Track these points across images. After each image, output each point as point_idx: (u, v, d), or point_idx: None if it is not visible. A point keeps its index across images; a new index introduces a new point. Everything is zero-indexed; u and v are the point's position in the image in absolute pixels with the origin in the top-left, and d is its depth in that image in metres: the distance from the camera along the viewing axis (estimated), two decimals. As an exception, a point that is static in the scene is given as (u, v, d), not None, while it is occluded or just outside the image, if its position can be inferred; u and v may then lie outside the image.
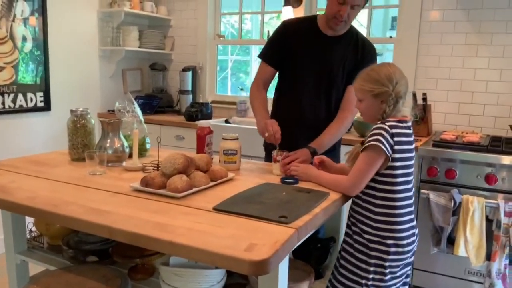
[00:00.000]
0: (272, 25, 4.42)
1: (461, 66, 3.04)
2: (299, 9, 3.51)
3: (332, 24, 1.97)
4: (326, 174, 1.68)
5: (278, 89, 2.21)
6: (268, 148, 2.17)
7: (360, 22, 3.79)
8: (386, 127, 1.51)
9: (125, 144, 1.94)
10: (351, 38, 2.05)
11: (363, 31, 3.58)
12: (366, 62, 1.96)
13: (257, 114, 2.07)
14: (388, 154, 1.49)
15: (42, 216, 1.40)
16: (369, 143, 1.50)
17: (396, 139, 1.50)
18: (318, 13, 3.58)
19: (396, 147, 1.50)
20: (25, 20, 3.20)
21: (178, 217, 1.28)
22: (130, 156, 1.92)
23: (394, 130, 1.51)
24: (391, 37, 3.37)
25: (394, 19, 4.13)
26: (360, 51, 2.06)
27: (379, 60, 3.12)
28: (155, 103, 3.89)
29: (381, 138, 1.49)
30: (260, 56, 2.17)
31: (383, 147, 1.48)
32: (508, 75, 2.91)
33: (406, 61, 3.15)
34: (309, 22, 2.09)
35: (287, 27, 2.12)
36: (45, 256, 1.88)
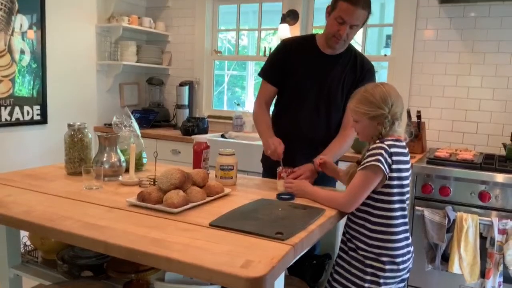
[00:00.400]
0: (268, 41, 4.48)
1: (455, 85, 3.08)
2: (295, 26, 3.56)
3: (332, 42, 2.00)
4: (321, 190, 1.70)
5: (277, 105, 2.23)
6: (266, 164, 2.18)
7: (355, 39, 3.84)
8: (385, 146, 1.52)
9: (122, 158, 1.95)
10: (349, 57, 2.09)
11: (358, 49, 3.64)
12: (365, 80, 2.01)
13: (262, 135, 2.11)
14: (386, 173, 1.50)
15: (38, 230, 1.40)
16: (368, 163, 1.50)
17: (394, 158, 1.52)
18: (314, 30, 3.66)
19: (394, 166, 1.52)
20: (23, 34, 3.22)
21: (174, 233, 1.28)
22: (127, 170, 1.92)
23: (392, 149, 1.52)
24: (385, 55, 3.42)
25: (388, 37, 4.20)
26: (359, 70, 2.09)
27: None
28: (152, 117, 3.90)
29: (380, 158, 1.49)
30: (260, 75, 2.19)
31: (382, 167, 1.49)
32: (501, 94, 2.96)
33: (401, 78, 3.19)
34: (308, 41, 2.12)
35: (287, 46, 2.14)
36: (40, 270, 1.87)
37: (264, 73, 2.18)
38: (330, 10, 1.95)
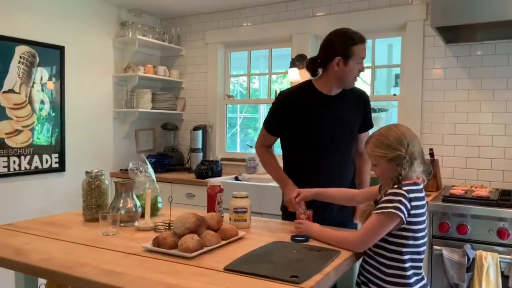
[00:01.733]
0: (279, 83, 4.58)
1: (466, 122, 3.10)
2: (305, 69, 3.64)
3: (352, 82, 2.09)
4: (329, 231, 1.70)
5: (296, 152, 2.17)
6: (286, 211, 2.15)
7: (364, 79, 3.91)
8: (404, 192, 1.50)
9: (138, 204, 1.98)
10: (347, 92, 2.15)
11: (367, 89, 3.69)
12: (368, 107, 2.22)
13: (280, 180, 2.16)
14: (404, 220, 1.49)
15: (56, 278, 1.41)
16: (386, 210, 1.49)
17: (413, 203, 1.51)
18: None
19: (412, 212, 1.51)
20: (43, 85, 3.37)
21: (189, 278, 1.29)
22: (142, 215, 1.95)
23: (411, 195, 1.51)
24: (395, 94, 3.47)
25: (397, 76, 4.26)
26: (361, 100, 2.20)
27: (385, 116, 3.18)
28: (166, 162, 3.97)
29: (400, 206, 1.48)
30: (265, 127, 2.21)
31: (402, 215, 1.48)
32: (513, 129, 2.96)
33: (411, 117, 3.22)
34: (307, 87, 2.15)
35: (287, 98, 2.16)
36: (56, 319, 1.87)
37: (268, 126, 2.20)
38: (344, 59, 2.00)
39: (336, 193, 1.93)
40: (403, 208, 1.48)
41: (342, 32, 2.05)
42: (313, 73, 2.13)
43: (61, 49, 3.47)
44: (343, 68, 2.01)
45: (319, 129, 2.10)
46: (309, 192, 1.92)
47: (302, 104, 2.10)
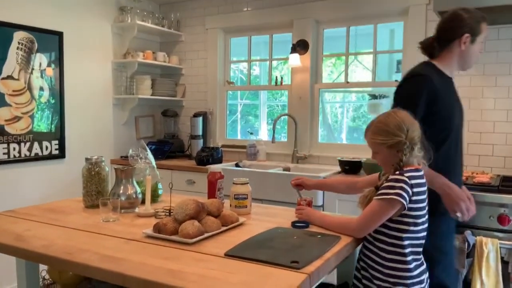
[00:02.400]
0: (280, 70, 4.55)
1: (468, 107, 3.07)
2: (306, 55, 3.62)
3: (473, 63, 2.00)
4: (330, 216, 1.70)
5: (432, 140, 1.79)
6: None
7: (366, 66, 3.88)
8: (406, 179, 1.50)
9: (138, 190, 1.98)
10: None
11: (368, 75, 3.67)
12: None
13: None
14: (406, 206, 1.49)
15: (57, 264, 1.42)
16: (388, 196, 1.49)
17: (415, 190, 1.51)
18: (324, 59, 3.71)
19: (413, 198, 1.51)
20: (42, 71, 3.34)
21: (190, 264, 1.29)
22: (143, 202, 1.95)
23: (413, 181, 1.51)
24: (396, 80, 3.45)
25: (399, 62, 4.23)
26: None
27: (386, 102, 3.16)
28: (167, 148, 3.96)
29: (402, 192, 1.48)
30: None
31: (403, 201, 1.47)
32: (515, 115, 2.94)
33: (413, 103, 3.19)
34: (434, 69, 1.95)
35: (432, 80, 1.85)
36: (58, 304, 1.88)
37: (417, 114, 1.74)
38: (473, 36, 1.90)
39: (337, 183, 1.93)
40: (405, 194, 1.48)
41: (468, 9, 1.94)
42: (432, 54, 2.01)
43: (59, 34, 3.44)
44: (470, 46, 1.91)
45: (455, 115, 1.93)
46: (311, 182, 1.92)
47: (442, 88, 1.88)
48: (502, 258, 2.34)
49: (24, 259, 1.77)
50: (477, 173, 2.89)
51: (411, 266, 1.53)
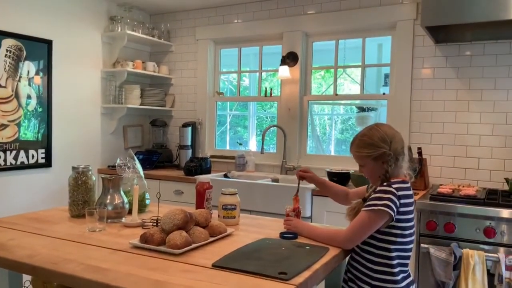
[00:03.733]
0: (269, 81, 4.58)
1: (454, 121, 3.12)
2: (295, 68, 3.65)
3: None
4: (318, 228, 1.70)
5: None
6: None
7: (354, 79, 3.92)
8: (393, 190, 1.52)
9: (125, 200, 1.96)
10: None
11: (356, 88, 3.71)
12: None
13: None
14: (394, 217, 1.50)
15: (41, 274, 1.39)
16: (376, 207, 1.50)
17: (402, 201, 1.52)
18: (313, 71, 3.74)
19: (401, 209, 1.52)
20: (30, 79, 3.31)
21: (177, 275, 1.28)
22: (130, 212, 1.93)
23: (400, 193, 1.53)
24: (384, 93, 3.49)
25: (387, 75, 4.29)
26: None
27: (374, 115, 3.18)
28: (155, 158, 3.94)
29: (389, 203, 1.50)
30: None
31: (391, 212, 1.49)
32: (500, 129, 2.99)
33: (400, 116, 3.24)
34: None
35: None
36: (40, 316, 1.84)
37: None
38: None
39: (336, 188, 1.94)
40: (393, 206, 1.49)
41: None
42: None
43: (49, 43, 3.42)
44: None
45: None
46: (318, 179, 1.93)
47: None
48: (488, 270, 2.35)
49: (7, 269, 1.73)
50: (463, 186, 2.91)
51: (398, 277, 1.53)
